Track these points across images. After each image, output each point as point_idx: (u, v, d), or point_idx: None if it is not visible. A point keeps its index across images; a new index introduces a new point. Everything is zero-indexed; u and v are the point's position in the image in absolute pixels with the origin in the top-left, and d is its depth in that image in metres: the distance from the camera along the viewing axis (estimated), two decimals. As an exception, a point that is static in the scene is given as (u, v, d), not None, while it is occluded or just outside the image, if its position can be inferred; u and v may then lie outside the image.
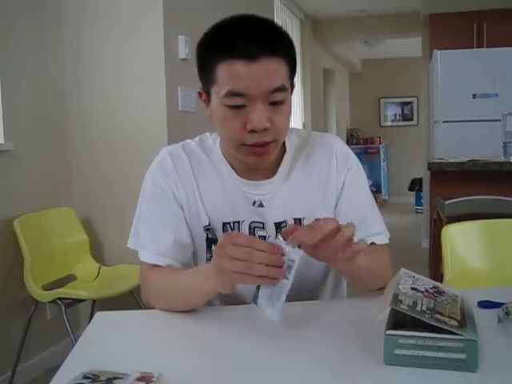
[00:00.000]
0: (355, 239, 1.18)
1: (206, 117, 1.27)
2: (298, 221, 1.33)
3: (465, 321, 0.94)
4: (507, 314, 1.06)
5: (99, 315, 1.24)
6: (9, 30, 2.93)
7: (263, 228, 1.33)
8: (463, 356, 0.89)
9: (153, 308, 1.27)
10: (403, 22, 7.05)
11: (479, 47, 5.45)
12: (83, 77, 3.35)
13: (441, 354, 0.90)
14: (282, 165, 1.33)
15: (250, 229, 1.33)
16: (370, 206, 1.38)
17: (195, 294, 1.17)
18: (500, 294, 1.22)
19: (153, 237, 1.32)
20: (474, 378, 0.87)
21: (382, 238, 1.35)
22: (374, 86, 10.81)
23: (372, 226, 1.35)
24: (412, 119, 10.84)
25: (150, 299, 1.29)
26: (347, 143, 9.37)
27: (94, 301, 3.13)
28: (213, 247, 1.34)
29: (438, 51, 5.24)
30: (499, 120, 3.84)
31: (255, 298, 0.99)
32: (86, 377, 0.78)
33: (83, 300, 2.87)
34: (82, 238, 3.24)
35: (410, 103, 10.83)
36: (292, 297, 0.99)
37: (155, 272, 1.29)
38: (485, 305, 1.20)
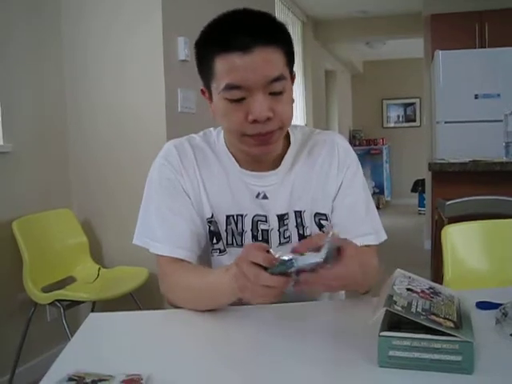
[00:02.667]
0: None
1: (211, 114, 1.28)
2: (298, 213, 1.34)
3: (461, 322, 0.93)
4: (505, 314, 1.05)
5: (92, 317, 1.23)
6: (7, 33, 2.92)
7: (266, 221, 1.33)
8: (459, 358, 0.88)
9: (173, 303, 1.26)
10: (405, 22, 7.03)
11: (481, 47, 5.43)
12: (82, 78, 3.34)
13: (436, 356, 0.88)
14: (286, 157, 1.34)
15: (252, 222, 1.33)
16: (365, 206, 1.38)
17: (221, 294, 1.14)
18: (499, 294, 1.21)
19: (169, 229, 1.30)
20: (470, 380, 0.86)
21: (371, 239, 1.35)
22: (376, 87, 10.79)
23: (362, 227, 1.35)
24: (415, 120, 10.82)
25: (171, 295, 1.28)
26: (350, 144, 9.45)
27: (93, 302, 3.12)
28: (214, 240, 1.34)
29: (440, 51, 5.23)
30: (501, 120, 3.82)
31: None
32: (70, 379, 0.77)
33: (83, 302, 2.86)
34: (82, 239, 3.23)
35: (412, 104, 10.81)
36: (290, 298, 0.98)
37: (176, 267, 1.27)
38: (483, 306, 1.18)
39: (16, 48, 2.99)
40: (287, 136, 1.36)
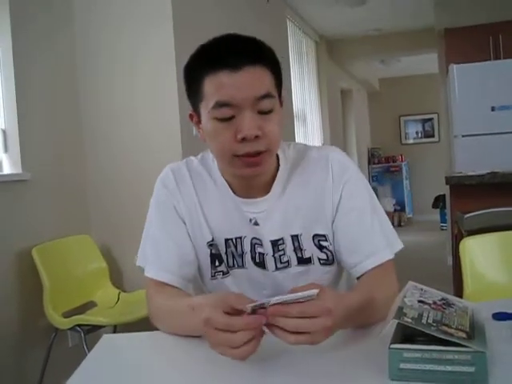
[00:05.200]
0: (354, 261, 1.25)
1: (200, 139, 1.27)
2: (295, 237, 1.32)
3: (474, 333, 0.91)
4: (521, 324, 1.03)
5: (105, 338, 1.23)
6: (26, 59, 2.98)
7: (261, 245, 1.32)
8: (472, 369, 0.86)
9: (156, 327, 1.26)
10: (418, 38, 7.03)
11: (496, 59, 5.38)
12: (95, 104, 3.40)
13: (448, 368, 0.87)
14: (275, 182, 1.31)
15: (251, 245, 1.32)
16: (371, 219, 1.31)
17: (191, 327, 1.13)
18: (516, 305, 1.19)
19: (157, 252, 1.32)
20: (484, 392, 0.84)
21: (386, 255, 1.29)
22: (393, 104, 10.77)
23: (373, 242, 1.29)
24: (433, 136, 10.75)
25: (152, 318, 1.29)
26: (369, 163, 9.29)
27: (115, 327, 3.13)
28: (216, 263, 1.34)
29: (454, 66, 5.21)
30: (519, 131, 3.78)
31: None
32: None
33: (103, 326, 2.87)
34: (101, 264, 3.25)
35: (430, 120, 10.76)
36: None
37: (159, 292, 1.29)
38: (499, 316, 1.16)
39: (33, 79, 3.06)
40: (277, 159, 1.33)
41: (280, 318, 0.91)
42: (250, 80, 1.14)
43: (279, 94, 1.24)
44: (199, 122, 1.24)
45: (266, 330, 0.94)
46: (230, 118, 1.16)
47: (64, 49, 3.34)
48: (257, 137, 1.16)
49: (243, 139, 1.15)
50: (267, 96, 1.17)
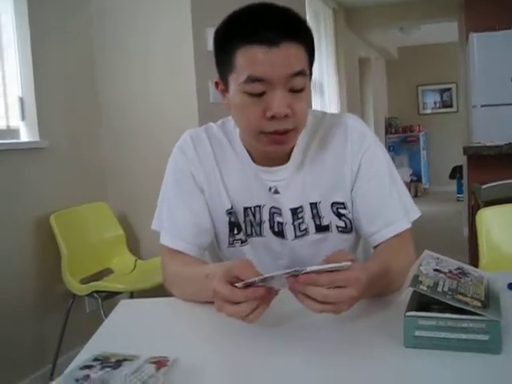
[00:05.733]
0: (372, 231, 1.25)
1: (225, 106, 1.26)
2: (313, 205, 1.31)
3: (489, 302, 0.91)
4: (536, 294, 1.03)
5: (123, 303, 1.25)
6: (42, 34, 2.98)
7: (280, 214, 1.32)
8: (486, 337, 0.86)
9: (171, 294, 1.28)
10: (438, 6, 6.88)
11: (517, 28, 5.29)
12: (111, 73, 3.39)
13: (463, 336, 0.88)
14: (294, 150, 1.30)
15: (270, 213, 1.32)
16: (389, 188, 1.31)
17: (205, 293, 1.13)
18: (532, 275, 1.19)
19: (173, 220, 1.33)
20: (498, 360, 0.85)
21: (403, 224, 1.29)
22: (411, 73, 10.64)
23: (391, 211, 1.29)
24: (452, 106, 10.63)
25: (167, 285, 1.30)
26: (386, 132, 9.22)
27: (131, 293, 3.17)
28: (235, 231, 1.34)
29: (474, 34, 5.13)
30: (539, 102, 3.73)
31: None
32: (96, 359, 0.79)
33: (120, 293, 2.91)
34: (118, 232, 3.28)
35: (448, 90, 10.62)
36: None
37: (173, 258, 1.30)
38: (515, 287, 1.16)
39: (50, 48, 3.05)
40: None
41: (310, 287, 0.92)
42: (286, 57, 1.11)
43: (310, 70, 1.22)
44: (225, 90, 1.22)
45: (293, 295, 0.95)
46: (261, 94, 1.14)
47: (81, 19, 3.33)
48: (286, 115, 1.14)
49: (272, 117, 1.14)
50: (300, 74, 1.14)
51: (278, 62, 1.11)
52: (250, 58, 1.12)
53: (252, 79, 1.13)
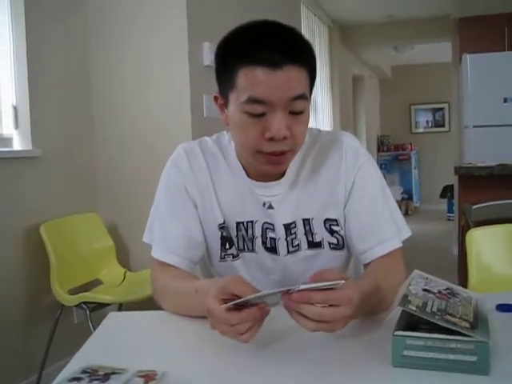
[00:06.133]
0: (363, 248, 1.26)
1: (222, 122, 1.26)
2: (306, 221, 1.32)
3: (477, 323, 0.92)
4: (524, 316, 1.04)
5: (112, 315, 1.25)
6: (37, 38, 2.98)
7: (273, 229, 1.32)
8: (474, 358, 0.87)
9: (161, 307, 1.27)
10: (433, 26, 6.97)
11: (510, 50, 5.33)
12: (107, 84, 3.39)
13: (451, 356, 0.88)
14: (289, 166, 1.30)
15: (262, 229, 1.32)
16: (382, 206, 1.32)
17: (195, 308, 1.15)
18: (520, 297, 1.19)
19: (164, 233, 1.33)
20: (486, 382, 0.85)
21: (394, 243, 1.30)
22: (404, 92, 10.72)
23: (383, 230, 1.30)
24: (444, 125, 10.72)
25: (156, 298, 1.30)
26: (378, 150, 9.26)
27: (120, 305, 3.15)
28: (227, 245, 1.34)
29: (468, 55, 5.17)
30: (531, 124, 3.77)
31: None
32: (84, 371, 0.79)
33: (109, 304, 2.89)
34: (108, 243, 3.27)
35: (441, 109, 10.71)
36: None
37: (163, 271, 1.30)
38: (503, 308, 1.17)
39: (45, 57, 3.05)
40: None
41: (305, 305, 0.92)
42: (288, 80, 1.11)
43: (311, 92, 1.22)
44: (224, 105, 1.22)
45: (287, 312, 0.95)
46: (261, 115, 1.14)
47: (77, 27, 3.33)
48: (284, 137, 1.15)
49: (271, 138, 1.14)
50: (301, 97, 1.14)
51: (279, 84, 1.11)
52: (252, 79, 1.12)
53: (253, 100, 1.12)
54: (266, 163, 1.20)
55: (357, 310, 0.97)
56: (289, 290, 0.93)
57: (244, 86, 1.13)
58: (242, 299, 0.93)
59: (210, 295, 0.96)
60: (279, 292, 0.93)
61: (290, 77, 1.11)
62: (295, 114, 1.15)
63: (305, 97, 1.16)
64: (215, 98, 1.27)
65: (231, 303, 0.93)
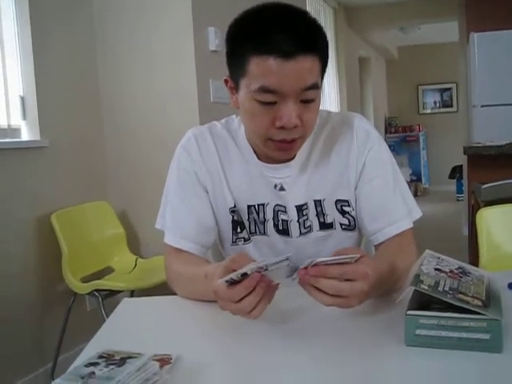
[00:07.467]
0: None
1: (231, 104, 1.25)
2: (318, 202, 1.32)
3: (489, 301, 0.92)
4: (536, 294, 1.04)
5: (125, 302, 1.26)
6: (44, 30, 2.98)
7: (285, 212, 1.33)
8: (487, 336, 0.87)
9: (175, 292, 1.28)
10: (439, 5, 6.88)
11: (518, 27, 5.29)
12: (113, 72, 3.39)
13: (464, 335, 0.88)
14: (300, 148, 1.30)
15: (273, 212, 1.33)
16: (393, 187, 1.31)
17: (206, 293, 1.13)
18: (532, 275, 1.19)
19: (176, 219, 1.33)
20: (499, 359, 0.85)
21: (406, 224, 1.30)
22: (411, 73, 10.64)
23: (394, 211, 1.30)
24: (451, 106, 10.64)
25: (170, 284, 1.31)
26: (385, 132, 9.19)
27: (132, 292, 3.17)
28: (238, 229, 1.35)
29: (475, 34, 5.12)
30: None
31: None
32: (100, 356, 0.80)
33: (120, 291, 2.91)
34: (119, 230, 3.29)
35: (449, 89, 10.63)
36: None
37: (177, 257, 1.31)
38: (515, 286, 1.17)
39: (51, 47, 3.05)
40: None
41: (321, 279, 0.92)
42: (300, 70, 1.10)
43: (322, 79, 1.21)
44: (234, 89, 1.22)
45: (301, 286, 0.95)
46: (272, 103, 1.13)
47: (83, 16, 3.33)
48: (295, 126, 1.14)
49: (282, 127, 1.14)
50: (313, 87, 1.13)
51: (292, 74, 1.10)
52: (264, 69, 1.10)
53: (264, 90, 1.12)
54: (276, 150, 1.21)
55: (373, 288, 0.96)
56: (287, 258, 0.92)
57: (256, 74, 1.12)
58: (240, 270, 0.92)
59: (215, 277, 0.96)
60: (279, 262, 0.92)
61: (303, 67, 1.10)
62: (307, 102, 1.15)
63: (316, 86, 1.15)
64: (225, 81, 1.26)
65: (229, 276, 0.92)
